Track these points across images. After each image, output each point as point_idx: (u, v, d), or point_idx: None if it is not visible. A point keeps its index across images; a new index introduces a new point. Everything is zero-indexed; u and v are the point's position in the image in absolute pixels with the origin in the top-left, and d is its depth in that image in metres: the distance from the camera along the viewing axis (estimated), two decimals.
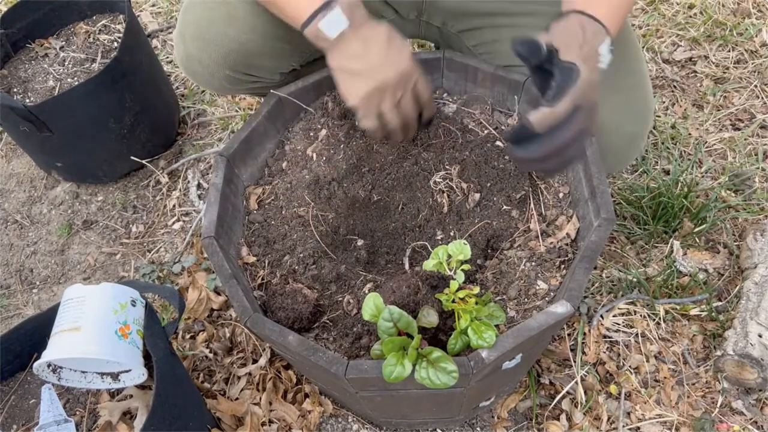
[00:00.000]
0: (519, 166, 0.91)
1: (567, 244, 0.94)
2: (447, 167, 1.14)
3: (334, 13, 0.85)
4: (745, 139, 1.56)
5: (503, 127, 1.08)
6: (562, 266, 0.91)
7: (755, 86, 1.68)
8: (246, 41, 1.03)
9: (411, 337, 0.77)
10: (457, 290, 0.83)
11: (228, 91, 1.17)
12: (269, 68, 1.11)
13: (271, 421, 1.15)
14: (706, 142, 1.56)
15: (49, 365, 0.90)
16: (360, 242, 1.09)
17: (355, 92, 0.90)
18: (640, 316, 1.26)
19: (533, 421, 1.16)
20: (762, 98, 1.66)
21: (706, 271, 1.31)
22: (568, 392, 1.17)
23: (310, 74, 1.11)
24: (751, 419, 1.13)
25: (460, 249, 0.88)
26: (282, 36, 1.03)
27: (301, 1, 0.87)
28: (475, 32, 1.12)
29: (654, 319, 1.26)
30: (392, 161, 1.14)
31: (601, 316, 1.25)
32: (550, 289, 0.88)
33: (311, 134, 1.10)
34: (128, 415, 0.96)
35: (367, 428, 1.18)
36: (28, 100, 1.45)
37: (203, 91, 1.80)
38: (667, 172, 1.50)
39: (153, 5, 2.11)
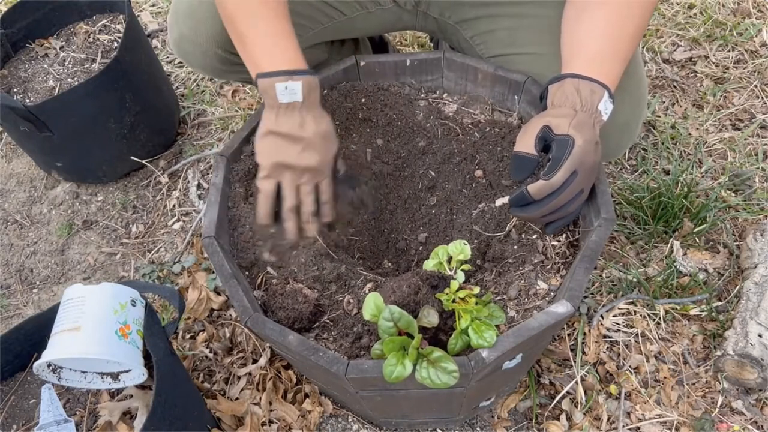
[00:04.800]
0: (521, 220, 0.97)
1: (567, 244, 0.94)
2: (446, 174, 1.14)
3: (295, 85, 0.89)
4: (745, 139, 1.56)
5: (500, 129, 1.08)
6: (562, 266, 0.91)
7: (755, 86, 1.68)
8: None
9: (411, 336, 0.77)
10: (458, 290, 0.83)
11: (221, 74, 1.16)
12: None
13: (271, 421, 1.15)
14: (706, 142, 1.56)
15: (49, 365, 0.90)
16: (361, 242, 1.09)
17: (270, 155, 0.94)
18: (640, 316, 1.26)
19: (533, 421, 1.16)
20: (762, 98, 1.66)
21: (706, 271, 1.31)
22: (568, 392, 1.17)
23: None
24: (751, 419, 1.13)
25: (460, 249, 0.88)
26: None
27: (273, 51, 0.91)
28: (473, 23, 1.12)
29: (654, 319, 1.26)
30: (393, 163, 1.15)
31: (601, 316, 1.25)
32: (551, 289, 0.88)
33: None
34: (128, 415, 0.96)
35: (367, 428, 1.18)
36: (28, 100, 1.45)
37: (203, 91, 1.80)
38: (667, 172, 1.50)
39: (153, 5, 2.11)
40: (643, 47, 1.81)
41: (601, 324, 1.24)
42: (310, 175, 0.95)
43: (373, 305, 0.79)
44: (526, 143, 0.90)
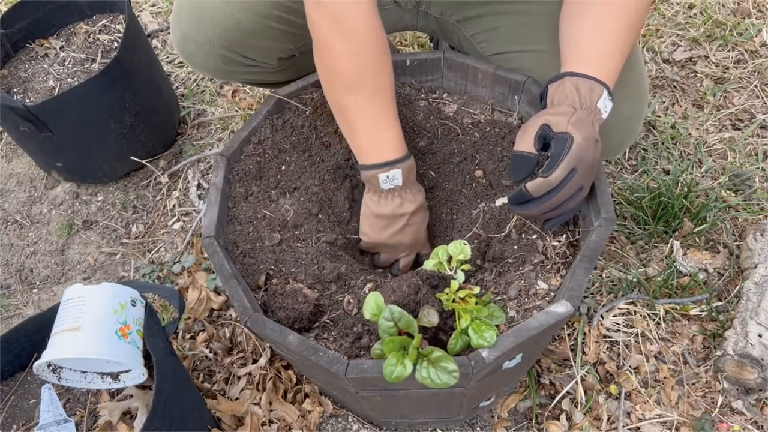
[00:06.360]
0: (521, 217, 0.98)
1: (567, 244, 0.94)
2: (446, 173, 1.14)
3: (395, 172, 0.96)
4: (745, 139, 1.56)
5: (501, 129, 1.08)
6: (562, 266, 0.91)
7: (755, 86, 1.68)
8: (242, 19, 1.02)
9: (411, 336, 0.77)
10: (458, 290, 0.83)
11: (224, 75, 1.16)
12: (266, 50, 1.10)
13: (271, 421, 1.15)
14: (706, 142, 1.56)
15: (49, 365, 0.90)
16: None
17: (373, 237, 1.04)
18: (640, 316, 1.26)
19: (533, 421, 1.16)
20: (762, 98, 1.66)
21: (706, 271, 1.31)
22: (568, 392, 1.17)
23: (310, 74, 1.11)
24: (751, 419, 1.13)
25: (460, 249, 0.88)
26: (279, 17, 1.03)
27: (377, 145, 0.96)
28: (474, 21, 1.12)
29: (654, 319, 1.26)
30: None
31: (601, 316, 1.25)
32: (551, 289, 0.88)
33: None
34: (128, 415, 0.96)
35: (367, 428, 1.18)
36: (28, 100, 1.45)
37: (203, 91, 1.80)
38: (667, 172, 1.50)
39: (153, 5, 2.11)
40: (643, 47, 1.81)
41: (601, 324, 1.24)
42: (409, 250, 1.07)
43: (374, 305, 0.79)
44: (525, 142, 0.90)
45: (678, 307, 1.26)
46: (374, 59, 0.93)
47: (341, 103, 0.96)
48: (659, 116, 1.63)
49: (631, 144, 1.15)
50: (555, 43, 0.99)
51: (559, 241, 0.94)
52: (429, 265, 0.90)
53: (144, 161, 1.58)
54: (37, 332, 0.96)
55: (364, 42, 0.91)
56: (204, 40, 1.06)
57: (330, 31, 0.90)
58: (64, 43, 1.58)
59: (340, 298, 0.93)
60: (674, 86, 1.72)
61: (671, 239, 1.34)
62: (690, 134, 1.58)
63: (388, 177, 0.96)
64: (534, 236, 0.95)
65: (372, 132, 0.96)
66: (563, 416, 1.15)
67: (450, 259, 0.89)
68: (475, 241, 1.01)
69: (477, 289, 0.83)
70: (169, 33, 2.00)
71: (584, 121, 0.86)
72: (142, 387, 0.96)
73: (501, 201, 0.98)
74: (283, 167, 1.07)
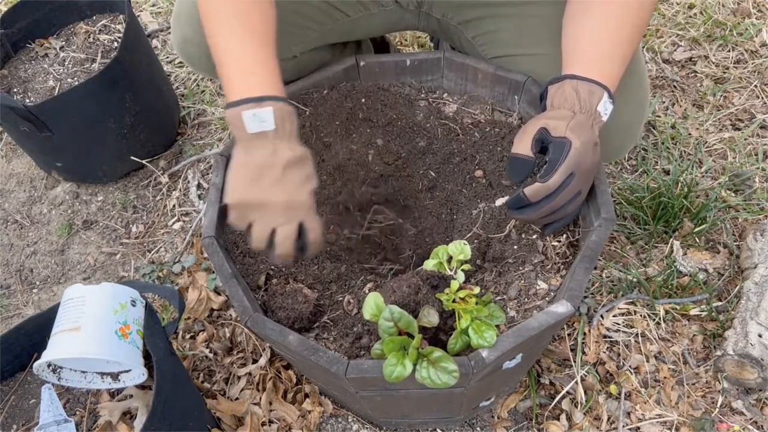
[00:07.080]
0: (520, 221, 0.97)
1: (567, 244, 0.94)
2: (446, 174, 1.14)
3: (264, 111, 0.81)
4: (745, 139, 1.56)
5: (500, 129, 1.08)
6: (562, 266, 0.91)
7: (755, 86, 1.68)
8: None
9: (411, 336, 0.77)
10: (458, 290, 0.83)
11: None
12: None
13: (271, 421, 1.15)
14: (706, 142, 1.56)
15: (49, 365, 0.90)
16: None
17: (238, 193, 0.85)
18: (640, 316, 1.26)
19: (533, 421, 1.16)
20: (762, 98, 1.66)
21: (706, 271, 1.31)
22: (568, 392, 1.17)
23: (311, 74, 1.11)
24: (751, 419, 1.13)
25: (461, 249, 0.89)
26: (279, 19, 1.03)
27: (241, 79, 0.84)
28: (475, 23, 1.12)
29: (654, 319, 1.26)
30: (393, 163, 1.15)
31: (601, 316, 1.25)
32: (551, 289, 0.88)
33: None
34: (128, 415, 0.96)
35: (367, 428, 1.18)
36: (28, 100, 1.45)
37: (203, 91, 1.80)
38: (667, 172, 1.50)
39: (153, 5, 2.11)
40: (643, 47, 1.81)
41: (601, 324, 1.24)
42: (284, 214, 0.84)
43: (374, 305, 0.79)
44: (523, 145, 0.90)
45: (678, 307, 1.26)
46: (250, 5, 0.87)
47: (215, 43, 0.88)
48: (659, 116, 1.63)
49: (631, 148, 1.15)
50: (556, 46, 0.98)
51: (559, 241, 0.94)
52: (429, 265, 0.90)
53: (144, 161, 1.58)
54: (37, 332, 0.96)
55: None
56: (204, 42, 1.06)
57: None
58: (64, 43, 1.58)
59: (340, 298, 0.93)
60: (674, 86, 1.72)
61: (671, 239, 1.34)
62: (690, 134, 1.58)
63: (254, 115, 0.81)
64: (534, 236, 0.95)
65: (240, 68, 0.85)
66: (563, 416, 1.15)
67: (450, 259, 0.89)
68: (475, 241, 1.01)
69: (477, 289, 0.83)
70: (169, 33, 2.00)
71: (583, 125, 0.86)
72: (142, 387, 0.96)
73: (501, 201, 0.98)
74: None
